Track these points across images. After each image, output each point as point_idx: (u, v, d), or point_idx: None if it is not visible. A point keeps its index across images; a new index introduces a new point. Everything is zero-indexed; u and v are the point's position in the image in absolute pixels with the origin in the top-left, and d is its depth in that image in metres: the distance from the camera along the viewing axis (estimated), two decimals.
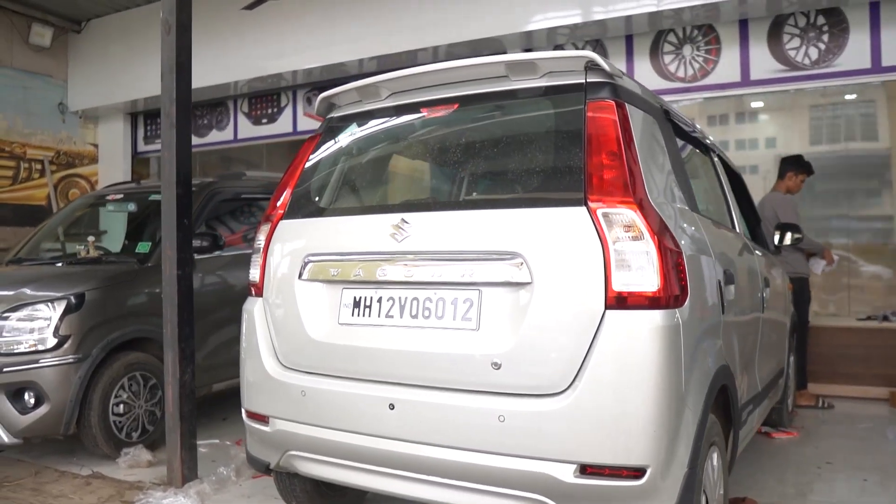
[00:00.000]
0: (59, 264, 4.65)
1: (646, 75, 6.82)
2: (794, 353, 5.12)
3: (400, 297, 2.41)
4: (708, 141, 3.36)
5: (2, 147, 8.78)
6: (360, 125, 2.85)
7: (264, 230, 2.84)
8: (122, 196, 5.21)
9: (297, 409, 2.59)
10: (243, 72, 8.56)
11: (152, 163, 10.32)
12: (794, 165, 5.58)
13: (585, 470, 2.05)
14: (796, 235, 4.39)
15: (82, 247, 4.91)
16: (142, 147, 10.22)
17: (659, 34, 6.76)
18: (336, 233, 2.62)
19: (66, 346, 3.87)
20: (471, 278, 2.26)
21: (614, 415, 2.03)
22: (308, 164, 2.88)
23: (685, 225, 2.35)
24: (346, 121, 2.88)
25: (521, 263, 2.17)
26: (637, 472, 2.02)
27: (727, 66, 6.50)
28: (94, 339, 3.98)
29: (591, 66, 2.33)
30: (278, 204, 2.85)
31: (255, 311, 2.80)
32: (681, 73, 6.68)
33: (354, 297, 2.52)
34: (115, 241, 5.55)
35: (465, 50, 7.40)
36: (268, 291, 2.77)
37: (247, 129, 9.46)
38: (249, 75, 8.54)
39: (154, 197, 4.94)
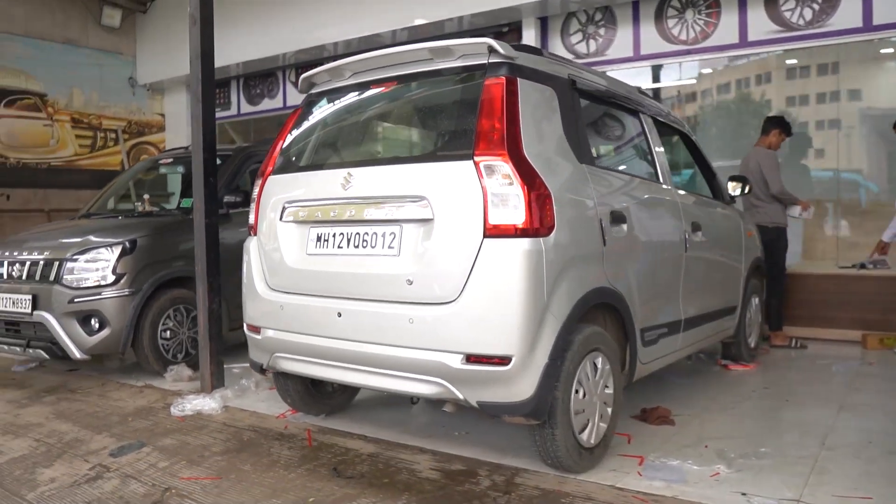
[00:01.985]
0: (119, 217, 5.58)
1: (651, 38, 7.26)
2: (765, 295, 5.61)
3: (347, 233, 3.13)
4: (637, 105, 3.88)
5: (81, 119, 9.94)
6: (329, 99, 3.57)
7: (258, 184, 3.61)
8: (171, 160, 6.10)
9: (278, 320, 3.37)
10: (290, 44, 9.34)
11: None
12: (779, 125, 5.96)
13: (469, 359, 2.74)
14: (746, 186, 4.87)
15: (139, 203, 5.83)
16: None
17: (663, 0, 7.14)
18: (305, 184, 3.36)
19: (122, 281, 4.78)
20: (394, 216, 2.96)
21: (489, 317, 2.71)
22: (291, 131, 3.62)
23: (565, 174, 2.96)
24: (320, 96, 3.60)
25: (426, 204, 2.85)
26: (504, 360, 2.69)
27: (726, 29, 6.86)
28: (145, 276, 4.87)
29: (491, 50, 2.95)
30: (269, 162, 3.60)
31: (251, 247, 3.59)
32: (683, 36, 7.07)
33: (318, 234, 3.26)
34: (174, 198, 6.48)
35: (486, 20, 7.95)
36: (260, 231, 3.54)
37: (295, 97, 10.29)
38: (295, 47, 9.33)
39: None
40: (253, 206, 3.60)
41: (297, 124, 3.62)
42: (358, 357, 3.04)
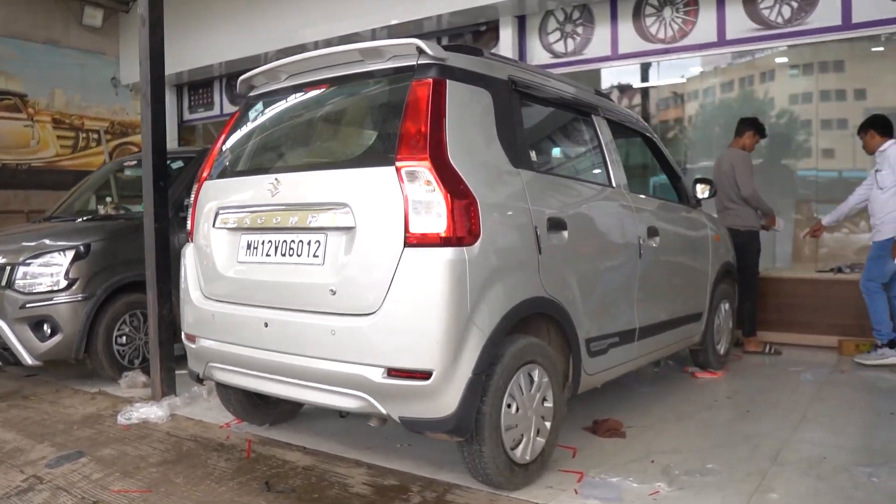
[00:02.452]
0: (79, 220, 5.49)
1: (629, 37, 7.13)
2: (738, 300, 5.49)
3: (275, 240, 3.03)
4: (587, 106, 3.76)
5: (62, 119, 9.87)
6: (264, 103, 3.47)
7: (195, 189, 3.51)
8: (135, 162, 6.01)
9: (210, 329, 3.27)
10: (271, 43, 9.21)
11: (197, 130, 11.24)
12: (752, 126, 5.83)
13: (390, 372, 2.64)
14: (711, 189, 4.75)
15: (101, 206, 5.75)
16: (187, 116, 11.13)
17: None
18: (237, 190, 3.27)
19: (74, 286, 4.69)
20: (319, 224, 2.86)
21: (410, 329, 2.61)
22: (229, 135, 3.53)
23: (496, 179, 2.85)
24: (258, 99, 3.50)
25: (349, 212, 2.75)
26: (425, 375, 2.59)
27: (705, 27, 6.72)
28: (99, 281, 4.78)
29: (420, 51, 2.84)
30: (206, 167, 3.51)
31: (187, 254, 3.49)
32: (661, 35, 6.93)
33: (248, 241, 3.17)
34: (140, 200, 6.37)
35: (464, 18, 7.84)
36: (196, 237, 3.44)
37: None
38: (276, 46, 9.20)
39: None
40: (190, 211, 3.51)
41: (234, 128, 3.53)
42: (284, 368, 2.94)
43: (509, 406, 2.85)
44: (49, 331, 4.67)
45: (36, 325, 4.67)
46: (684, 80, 7.81)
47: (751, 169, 5.68)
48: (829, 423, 3.84)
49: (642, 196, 4.08)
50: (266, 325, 2.98)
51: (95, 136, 10.28)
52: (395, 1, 8.03)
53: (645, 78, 7.87)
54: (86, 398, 4.67)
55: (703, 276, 4.74)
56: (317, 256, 2.87)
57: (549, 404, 3.08)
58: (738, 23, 6.52)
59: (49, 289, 4.68)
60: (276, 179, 3.02)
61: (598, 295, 3.45)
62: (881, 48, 6.71)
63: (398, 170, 2.65)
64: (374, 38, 8.68)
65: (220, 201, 3.32)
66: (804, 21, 6.22)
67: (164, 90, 4.53)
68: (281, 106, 3.42)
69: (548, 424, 3.08)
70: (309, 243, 2.90)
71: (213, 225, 3.31)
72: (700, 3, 6.71)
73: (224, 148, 3.49)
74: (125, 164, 6.11)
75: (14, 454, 3.66)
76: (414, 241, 2.60)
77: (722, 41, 6.64)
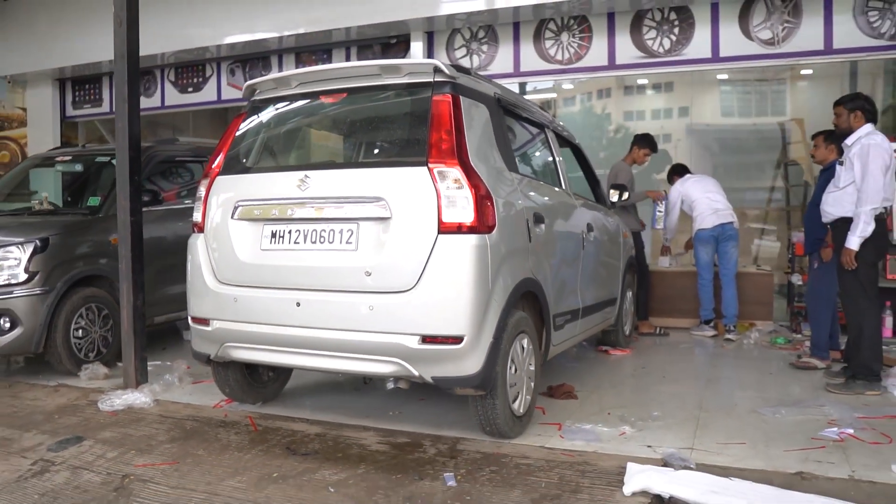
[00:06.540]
0: (24, 215, 5.43)
1: (529, 57, 7.94)
2: (635, 289, 6.42)
3: (303, 229, 3.43)
4: (543, 121, 4.46)
5: None
6: (275, 107, 3.84)
7: (204, 183, 3.79)
8: (69, 157, 5.97)
9: (230, 312, 3.58)
10: (170, 43, 9.10)
11: (80, 127, 10.80)
12: (638, 142, 6.81)
13: (425, 339, 3.15)
14: (624, 194, 5.62)
15: (36, 202, 5.68)
16: (70, 112, 10.68)
17: (541, 22, 7.86)
18: (259, 185, 3.61)
19: (34, 280, 4.71)
20: (352, 214, 3.31)
21: (444, 303, 3.13)
22: (237, 134, 3.85)
23: (499, 179, 3.45)
24: (266, 103, 3.86)
25: (384, 205, 3.23)
26: (457, 340, 3.12)
27: (597, 52, 7.68)
28: (58, 274, 4.82)
29: (437, 70, 3.37)
30: (215, 164, 3.80)
31: (197, 244, 3.77)
32: (559, 57, 7.81)
33: (272, 231, 3.53)
34: (56, 198, 6.25)
35: (375, 31, 8.30)
36: (207, 228, 3.73)
37: (174, 96, 10.07)
38: (176, 47, 9.12)
39: (100, 159, 5.74)
40: (199, 205, 3.78)
41: (243, 128, 3.85)
42: (317, 343, 3.34)
43: (511, 367, 3.44)
44: (8, 325, 4.66)
45: None
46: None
47: (629, 177, 6.64)
48: (729, 383, 4.77)
49: (581, 198, 4.82)
50: (298, 304, 3.36)
51: None
52: (307, 7, 8.29)
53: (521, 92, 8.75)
54: (48, 391, 4.69)
55: (617, 267, 5.59)
56: (350, 243, 3.31)
57: (532, 367, 3.71)
58: (626, 50, 7.52)
59: (7, 282, 4.67)
60: (305, 175, 3.41)
61: (561, 277, 4.13)
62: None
63: (430, 169, 3.17)
64: (280, 45, 8.94)
65: (238, 195, 3.63)
66: (680, 52, 7.33)
67: (138, 88, 4.67)
68: (295, 110, 3.80)
69: (532, 384, 3.71)
70: (341, 231, 3.33)
71: (232, 217, 3.62)
72: (593, 31, 7.66)
73: (234, 146, 3.80)
74: (56, 159, 6.03)
75: (4, 443, 3.68)
76: (447, 228, 3.14)
77: (612, 65, 7.63)
